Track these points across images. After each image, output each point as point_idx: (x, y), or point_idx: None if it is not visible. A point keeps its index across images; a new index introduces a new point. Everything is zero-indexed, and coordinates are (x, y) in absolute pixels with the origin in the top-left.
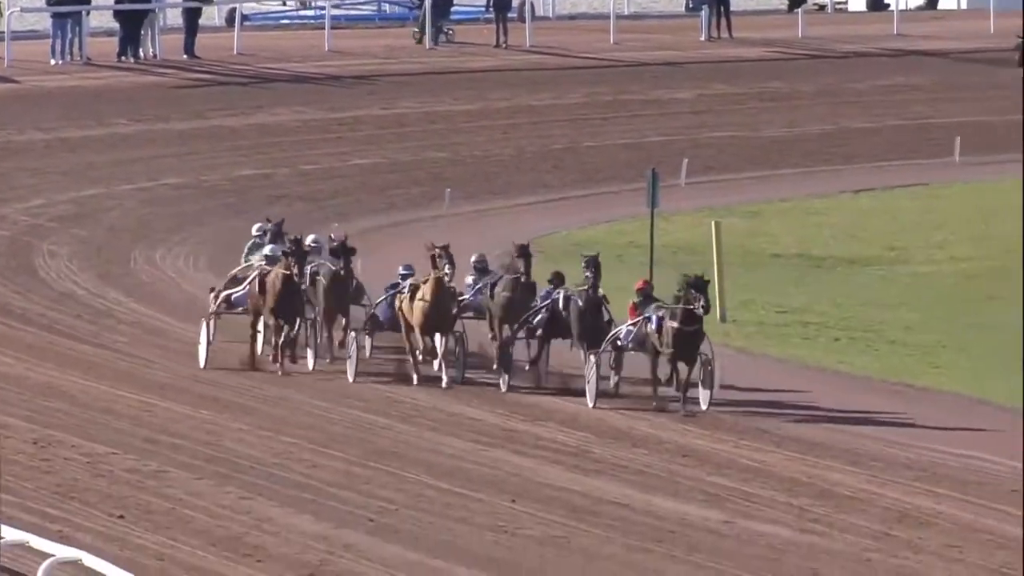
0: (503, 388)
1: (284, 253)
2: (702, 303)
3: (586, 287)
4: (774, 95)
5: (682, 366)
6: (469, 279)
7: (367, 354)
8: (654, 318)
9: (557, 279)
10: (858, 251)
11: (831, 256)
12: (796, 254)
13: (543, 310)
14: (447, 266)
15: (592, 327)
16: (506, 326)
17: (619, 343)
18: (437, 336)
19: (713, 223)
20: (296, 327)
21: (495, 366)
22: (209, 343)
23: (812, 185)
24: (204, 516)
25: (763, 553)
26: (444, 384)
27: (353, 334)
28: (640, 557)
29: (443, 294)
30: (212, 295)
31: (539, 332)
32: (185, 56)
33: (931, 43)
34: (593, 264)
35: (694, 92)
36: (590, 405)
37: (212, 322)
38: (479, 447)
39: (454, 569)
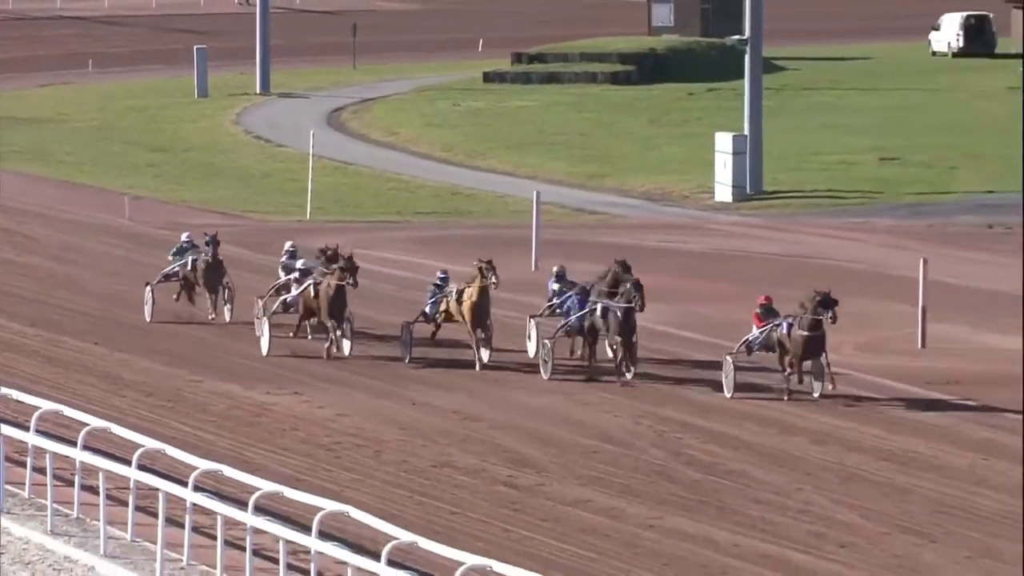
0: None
1: (341, 268)
2: (831, 316)
3: (628, 302)
4: None
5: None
6: (554, 286)
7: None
8: (784, 324)
9: (585, 293)
10: (40, 115)
11: (30, 118)
12: (11, 117)
13: (584, 316)
14: (493, 276)
15: (629, 332)
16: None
17: (750, 345)
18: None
19: None
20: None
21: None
22: (270, 336)
23: (12, 84)
24: None
25: None
26: (485, 359)
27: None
28: None
29: (486, 297)
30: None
31: (581, 333)
32: None
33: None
34: (637, 286)
35: None
36: (727, 395)
37: (268, 320)
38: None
39: None
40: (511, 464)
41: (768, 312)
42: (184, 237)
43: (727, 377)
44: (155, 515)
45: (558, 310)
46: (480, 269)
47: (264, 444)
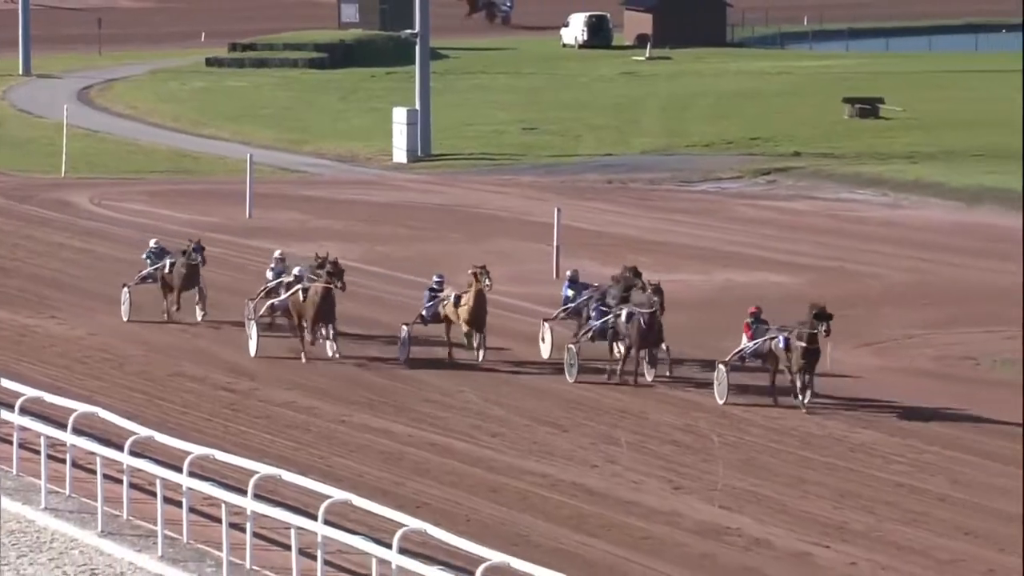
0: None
1: (329, 273)
2: (825, 328)
3: (652, 309)
4: None
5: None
6: (568, 292)
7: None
8: (781, 338)
9: (602, 297)
10: None
11: None
12: None
13: (608, 320)
14: (487, 280)
15: (654, 338)
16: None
17: (743, 355)
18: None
19: None
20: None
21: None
22: (258, 336)
23: None
24: None
25: None
26: (479, 359)
27: (405, 328)
28: None
29: (483, 301)
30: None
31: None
32: None
33: None
34: (658, 291)
35: None
36: (720, 402)
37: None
38: None
39: None
40: (231, 373)
41: (758, 322)
42: (152, 243)
43: (719, 384)
44: None
45: (573, 314)
46: (475, 274)
47: (28, 359)
